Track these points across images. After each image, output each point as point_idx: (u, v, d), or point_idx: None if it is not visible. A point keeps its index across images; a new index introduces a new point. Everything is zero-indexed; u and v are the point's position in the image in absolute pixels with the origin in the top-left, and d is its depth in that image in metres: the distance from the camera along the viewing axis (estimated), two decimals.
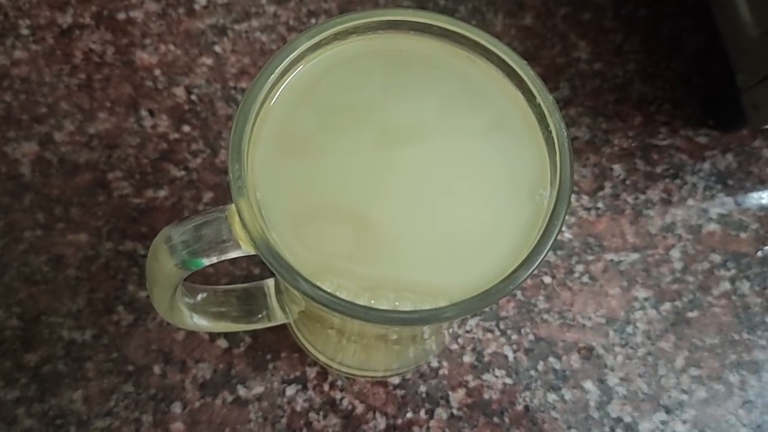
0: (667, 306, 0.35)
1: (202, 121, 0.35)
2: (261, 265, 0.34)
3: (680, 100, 0.38)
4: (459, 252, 0.20)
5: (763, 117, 0.32)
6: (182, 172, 0.35)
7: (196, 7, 0.37)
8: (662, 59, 0.39)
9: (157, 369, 0.32)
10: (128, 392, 0.32)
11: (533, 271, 0.19)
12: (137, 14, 0.37)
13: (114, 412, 0.32)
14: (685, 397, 0.34)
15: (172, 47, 0.37)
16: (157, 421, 0.32)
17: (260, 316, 0.30)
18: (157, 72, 0.36)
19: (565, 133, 0.21)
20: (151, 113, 0.35)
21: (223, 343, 0.33)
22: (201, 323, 0.27)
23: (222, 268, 0.34)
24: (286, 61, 0.21)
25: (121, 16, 0.37)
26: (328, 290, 0.19)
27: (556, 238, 0.20)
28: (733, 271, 0.36)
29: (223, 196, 0.35)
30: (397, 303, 0.20)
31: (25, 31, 0.36)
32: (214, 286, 0.29)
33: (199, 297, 0.28)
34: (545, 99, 0.22)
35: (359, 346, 0.29)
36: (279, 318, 0.31)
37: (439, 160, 0.21)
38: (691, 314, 0.35)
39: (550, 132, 0.21)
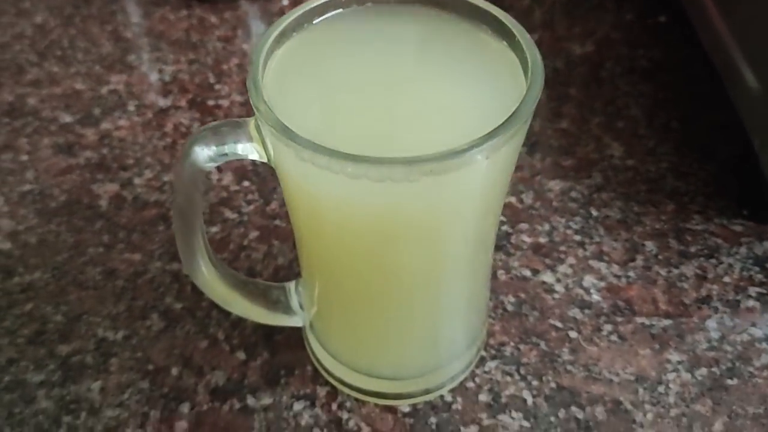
0: (703, 371, 0.33)
1: (261, 179, 0.40)
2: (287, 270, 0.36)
3: (714, 195, 0.39)
4: (438, 140, 0.23)
5: None
6: (235, 215, 0.38)
7: None
8: (695, 161, 0.41)
9: (174, 371, 0.33)
10: (142, 388, 0.32)
11: (498, 139, 0.21)
12: (224, 102, 0.44)
13: (125, 405, 0.32)
14: None
15: None
16: (164, 417, 0.32)
17: (275, 306, 0.31)
18: None
19: (539, 56, 0.24)
20: (219, 170, 0.40)
21: (241, 355, 0.33)
22: (213, 282, 0.29)
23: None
24: (306, 8, 0.27)
25: (211, 102, 0.44)
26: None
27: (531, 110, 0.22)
28: None
29: (268, 234, 0.37)
30: None
31: (131, 108, 0.44)
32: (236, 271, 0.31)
33: (223, 267, 0.29)
34: (520, 32, 0.25)
35: (374, 334, 0.30)
36: (296, 313, 0.32)
37: (424, 75, 0.25)
38: (730, 382, 0.32)
39: (527, 60, 0.24)
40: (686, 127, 0.42)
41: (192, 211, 0.27)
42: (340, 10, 0.27)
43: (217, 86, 0.45)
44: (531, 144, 0.42)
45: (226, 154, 0.25)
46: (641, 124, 0.43)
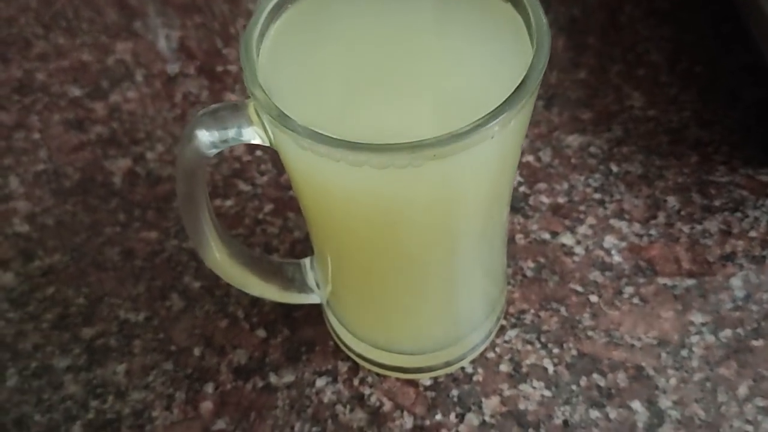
0: (727, 332, 0.32)
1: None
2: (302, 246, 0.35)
3: (739, 144, 0.38)
4: (442, 118, 0.22)
5: None
6: (249, 187, 0.38)
7: None
8: (719, 108, 0.39)
9: (197, 351, 0.33)
10: (167, 370, 0.33)
11: (499, 120, 0.20)
12: (233, 68, 0.43)
13: (151, 387, 0.32)
14: (750, 428, 0.30)
15: None
16: (189, 398, 0.32)
17: (291, 286, 0.31)
18: None
19: (543, 19, 0.23)
20: None
21: (262, 333, 0.34)
22: (226, 264, 0.29)
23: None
24: None
25: (220, 68, 0.43)
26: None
27: (536, 85, 0.21)
28: None
29: (283, 207, 0.37)
30: None
31: (139, 78, 0.43)
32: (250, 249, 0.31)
33: (234, 244, 0.29)
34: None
35: (390, 312, 0.30)
36: (312, 290, 0.31)
37: (429, 45, 0.24)
38: (755, 342, 0.32)
39: (531, 22, 0.23)
40: (710, 71, 0.41)
41: (196, 197, 0.26)
42: None
43: (225, 51, 0.44)
44: (548, 98, 0.40)
45: (227, 140, 0.24)
46: (663, 70, 0.41)
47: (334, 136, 0.21)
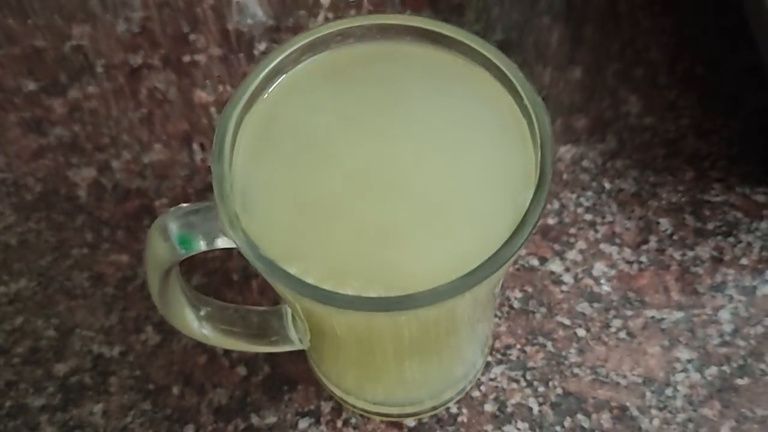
0: (713, 370, 0.32)
1: None
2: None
3: (737, 158, 0.36)
4: (433, 247, 0.20)
5: None
6: None
7: (255, 52, 0.40)
8: (719, 116, 0.37)
9: (176, 390, 0.33)
10: (145, 410, 0.32)
11: (500, 268, 0.19)
12: (201, 57, 0.40)
13: (129, 429, 0.32)
14: None
15: (229, 88, 0.39)
16: None
17: (273, 339, 0.30)
18: (213, 110, 0.38)
19: (549, 132, 0.21)
20: (203, 148, 0.37)
21: (242, 370, 0.33)
22: (208, 334, 0.28)
23: (249, 301, 0.34)
24: (280, 57, 0.23)
25: (187, 58, 0.40)
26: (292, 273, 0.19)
27: (527, 237, 0.19)
28: None
29: None
30: (361, 293, 0.19)
31: (99, 69, 0.40)
32: (227, 303, 0.29)
33: (210, 307, 0.28)
34: (532, 99, 0.21)
35: (373, 376, 0.29)
36: (293, 342, 0.30)
37: (420, 157, 0.22)
38: (740, 381, 0.32)
39: (536, 133, 0.21)
40: (711, 72, 0.38)
41: (171, 289, 0.25)
42: (319, 54, 0.23)
43: (192, 36, 0.40)
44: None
45: (196, 249, 0.22)
46: (662, 70, 0.38)
47: (313, 285, 0.19)
